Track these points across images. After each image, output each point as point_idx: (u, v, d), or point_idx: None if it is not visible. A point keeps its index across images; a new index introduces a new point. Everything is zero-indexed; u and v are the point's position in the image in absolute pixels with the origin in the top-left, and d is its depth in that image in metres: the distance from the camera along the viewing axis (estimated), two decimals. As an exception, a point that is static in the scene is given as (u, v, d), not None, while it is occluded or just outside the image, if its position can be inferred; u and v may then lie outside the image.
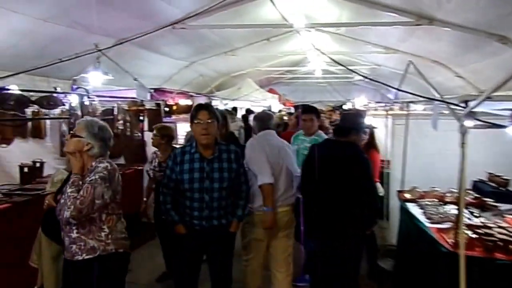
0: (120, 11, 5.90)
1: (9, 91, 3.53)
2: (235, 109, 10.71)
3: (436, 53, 8.70)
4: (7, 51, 5.13)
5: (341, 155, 3.28)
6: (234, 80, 14.00)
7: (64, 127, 4.29)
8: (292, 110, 17.36)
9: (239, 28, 7.24)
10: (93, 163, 2.79)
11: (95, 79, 5.49)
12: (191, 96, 8.72)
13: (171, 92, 6.96)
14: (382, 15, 6.81)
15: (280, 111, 14.54)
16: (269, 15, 7.42)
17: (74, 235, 2.71)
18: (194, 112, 3.29)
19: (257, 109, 13.49)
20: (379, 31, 8.78)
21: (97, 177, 2.66)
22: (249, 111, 11.91)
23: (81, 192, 2.60)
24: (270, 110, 13.76)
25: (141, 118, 5.25)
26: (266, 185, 3.69)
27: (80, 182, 2.67)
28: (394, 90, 16.63)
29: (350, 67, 14.88)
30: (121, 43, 4.59)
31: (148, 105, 6.11)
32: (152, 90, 6.39)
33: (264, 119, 4.24)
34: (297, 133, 5.35)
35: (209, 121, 3.23)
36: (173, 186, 3.38)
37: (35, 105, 4.09)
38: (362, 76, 7.93)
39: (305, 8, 8.07)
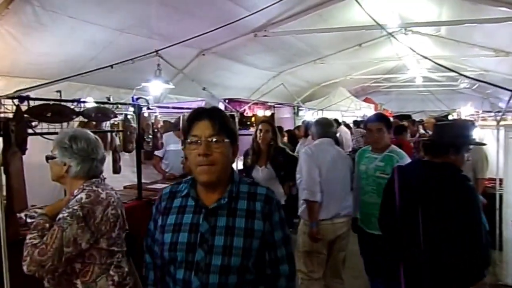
0: (200, 20, 5.80)
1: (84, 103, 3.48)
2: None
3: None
4: (89, 63, 5.27)
5: (436, 182, 2.42)
6: (326, 89, 13.46)
7: (118, 142, 4.10)
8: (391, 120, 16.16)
9: (325, 32, 6.78)
10: (76, 191, 2.03)
11: (155, 88, 5.20)
12: (272, 106, 8.39)
13: (247, 102, 6.71)
14: (490, 11, 5.85)
15: (374, 121, 13.57)
16: (358, 17, 6.83)
17: (46, 285, 2.00)
18: (187, 122, 1.72)
19: (349, 120, 12.73)
20: (487, 30, 7.67)
21: (66, 214, 1.88)
22: (336, 122, 11.15)
23: (44, 238, 1.86)
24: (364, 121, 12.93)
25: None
26: (311, 202, 3.62)
27: (47, 225, 1.95)
28: (507, 99, 14.81)
29: (453, 74, 13.70)
30: (177, 43, 4.28)
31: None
32: (225, 100, 6.19)
33: (324, 125, 4.04)
34: (362, 148, 4.12)
35: (214, 139, 1.62)
36: (158, 251, 1.77)
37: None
38: (473, 79, 6.89)
39: (399, 7, 7.32)
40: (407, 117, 18.61)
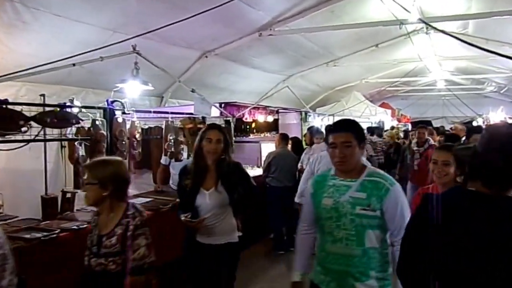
0: (200, 17, 5.41)
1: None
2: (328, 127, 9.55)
3: None
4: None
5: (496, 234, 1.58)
6: (340, 94, 12.95)
7: (81, 151, 3.52)
8: (409, 126, 15.61)
9: (336, 29, 6.31)
10: None
11: (132, 89, 4.38)
12: (276, 111, 7.89)
13: (246, 107, 6.25)
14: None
15: (392, 128, 12.92)
16: (374, 13, 6.39)
17: None
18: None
19: (364, 126, 12.22)
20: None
21: None
22: None
23: None
24: (379, 127, 12.38)
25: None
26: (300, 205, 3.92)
27: None
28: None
29: (480, 76, 13.08)
30: (151, 31, 3.83)
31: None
32: (220, 105, 5.74)
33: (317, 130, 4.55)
34: (320, 173, 3.09)
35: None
36: None
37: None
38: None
39: (421, 1, 6.80)
40: (427, 123, 18.06)
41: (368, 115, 12.75)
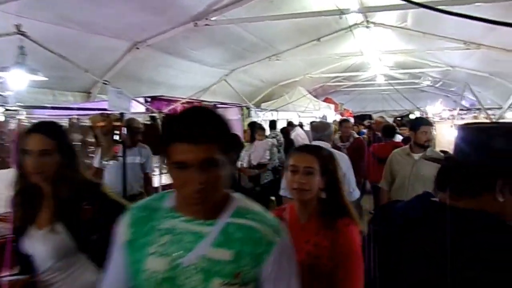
0: (126, 4, 4.75)
1: None
2: (271, 122, 8.79)
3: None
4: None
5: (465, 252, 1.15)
6: (285, 89, 12.56)
7: None
8: (352, 120, 15.62)
9: (274, 19, 5.85)
10: None
11: (16, 80, 3.39)
12: (214, 106, 7.29)
13: (175, 101, 5.57)
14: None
15: (335, 121, 12.80)
16: (313, 4, 6.01)
17: None
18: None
19: (306, 121, 11.92)
20: (459, 20, 6.99)
21: None
22: (291, 124, 9.97)
23: None
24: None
25: (115, 137, 3.75)
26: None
27: None
28: (470, 97, 14.48)
29: (417, 70, 13.22)
30: None
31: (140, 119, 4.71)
32: (146, 101, 5.06)
33: (317, 129, 4.05)
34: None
35: None
36: None
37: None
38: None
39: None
40: (368, 117, 18.24)
41: (312, 110, 12.50)
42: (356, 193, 3.71)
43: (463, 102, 14.00)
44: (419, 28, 8.15)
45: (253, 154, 5.73)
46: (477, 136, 1.26)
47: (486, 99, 13.07)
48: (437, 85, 15.91)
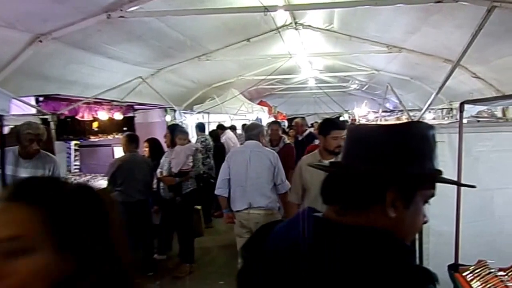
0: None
1: None
2: (199, 125, 8.13)
3: (452, 48, 6.84)
4: None
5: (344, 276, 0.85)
6: (219, 91, 12.03)
7: None
8: (286, 123, 15.56)
9: (195, 14, 5.38)
10: None
11: None
12: (130, 106, 6.56)
13: (76, 101, 4.84)
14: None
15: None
16: (239, 0, 5.62)
17: None
18: None
19: (238, 123, 11.55)
20: (381, 22, 6.97)
21: None
22: (221, 127, 9.24)
23: None
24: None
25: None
26: (219, 196, 4.31)
27: None
28: (393, 100, 14.90)
29: (344, 74, 13.34)
30: None
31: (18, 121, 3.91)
32: (37, 100, 4.31)
33: (247, 130, 4.39)
34: None
35: None
36: None
37: None
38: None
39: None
40: (302, 118, 18.28)
41: (245, 112, 12.15)
42: (287, 185, 4.13)
43: (387, 105, 14.39)
44: (345, 31, 8.06)
45: (173, 160, 5.14)
46: (364, 137, 1.00)
47: (407, 102, 13.49)
48: (363, 89, 16.25)
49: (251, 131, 4.29)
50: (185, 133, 5.39)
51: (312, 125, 11.22)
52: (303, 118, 8.69)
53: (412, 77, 10.38)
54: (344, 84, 16.21)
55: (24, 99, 4.02)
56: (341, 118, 17.24)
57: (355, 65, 11.69)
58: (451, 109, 9.04)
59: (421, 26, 6.30)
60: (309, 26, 8.32)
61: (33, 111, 4.14)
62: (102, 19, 4.91)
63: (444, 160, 2.83)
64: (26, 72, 5.21)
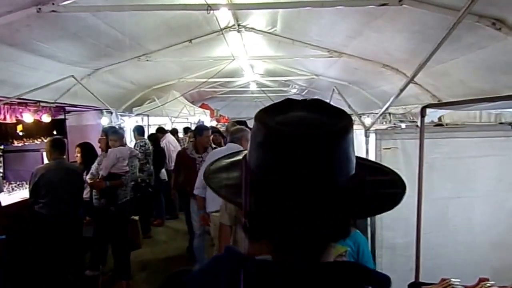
0: None
1: None
2: (137, 128, 7.56)
3: (392, 54, 7.02)
4: None
5: None
6: (159, 93, 11.51)
7: None
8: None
9: (132, 10, 4.99)
10: None
11: None
12: (61, 108, 5.98)
13: None
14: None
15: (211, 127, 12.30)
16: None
17: None
18: None
19: (179, 126, 11.18)
20: (323, 26, 6.99)
21: None
22: (161, 130, 8.87)
23: None
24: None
25: None
26: (198, 196, 4.44)
27: None
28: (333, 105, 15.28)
29: (285, 78, 13.41)
30: None
31: None
32: None
33: (232, 133, 4.39)
34: None
35: None
36: None
37: None
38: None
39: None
40: (243, 123, 18.21)
41: (187, 115, 11.78)
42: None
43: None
44: (288, 35, 8.01)
45: (103, 162, 4.72)
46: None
47: (345, 106, 13.84)
48: (303, 93, 16.47)
49: (235, 134, 4.31)
50: (118, 134, 4.94)
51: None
52: (243, 121, 8.34)
53: (350, 82, 10.56)
54: (285, 89, 16.33)
55: None
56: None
57: (296, 70, 11.76)
58: (389, 113, 9.30)
59: (363, 30, 6.35)
60: (252, 28, 8.19)
61: None
62: (32, 13, 4.39)
63: (398, 168, 2.76)
64: None
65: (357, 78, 9.87)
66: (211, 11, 4.63)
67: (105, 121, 7.04)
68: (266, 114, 0.81)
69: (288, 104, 0.86)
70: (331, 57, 8.04)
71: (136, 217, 4.97)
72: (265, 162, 0.75)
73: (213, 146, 5.59)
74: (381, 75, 8.42)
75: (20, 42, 5.24)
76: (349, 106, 5.01)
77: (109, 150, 4.79)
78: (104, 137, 4.84)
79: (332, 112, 0.81)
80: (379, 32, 6.02)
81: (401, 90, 3.80)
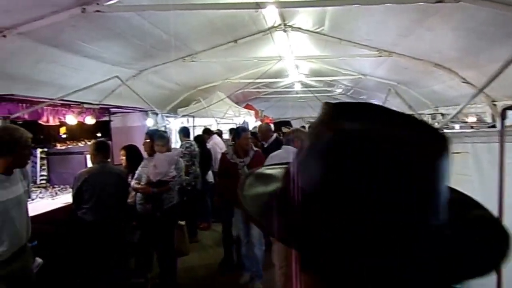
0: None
1: None
2: (183, 130, 7.28)
3: (444, 52, 6.44)
4: None
5: None
6: (204, 94, 11.41)
7: None
8: (272, 126, 15.05)
9: (182, 9, 4.78)
10: None
11: None
12: (106, 110, 5.82)
13: (38, 102, 4.11)
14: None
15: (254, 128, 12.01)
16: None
17: None
18: None
19: (224, 128, 10.94)
20: (373, 26, 6.51)
21: None
22: (207, 132, 8.46)
23: None
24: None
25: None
26: None
27: None
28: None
29: (331, 78, 12.89)
30: None
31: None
32: None
33: (288, 135, 4.27)
34: None
35: None
36: None
37: None
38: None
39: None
40: (287, 123, 17.82)
41: (232, 116, 11.57)
42: None
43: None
44: (336, 34, 7.56)
45: (152, 169, 4.45)
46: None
47: (392, 107, 13.12)
48: (348, 93, 15.86)
49: (289, 135, 4.24)
50: (164, 138, 4.67)
51: (276, 131, 10.62)
52: (287, 122, 7.95)
53: (399, 81, 9.97)
54: (329, 89, 15.77)
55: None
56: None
57: (342, 69, 11.23)
58: (442, 114, 8.69)
59: (415, 28, 5.86)
60: (299, 28, 7.82)
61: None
62: (76, 13, 4.29)
63: (468, 174, 2.32)
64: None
65: (406, 78, 9.27)
66: (259, 10, 4.31)
67: (150, 123, 6.91)
68: (340, 120, 0.60)
69: (364, 110, 0.64)
70: (380, 56, 7.53)
71: (183, 222, 4.67)
72: (335, 181, 0.56)
73: (255, 149, 5.02)
74: (432, 75, 7.86)
75: (64, 43, 5.15)
76: (410, 107, 4.54)
77: (160, 155, 4.50)
78: (149, 140, 4.59)
79: (425, 129, 0.60)
80: (431, 30, 5.51)
81: (472, 97, 3.30)
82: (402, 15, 5.61)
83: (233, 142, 4.95)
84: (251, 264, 4.88)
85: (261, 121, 14.94)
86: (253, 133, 7.74)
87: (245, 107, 14.81)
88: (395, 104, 12.49)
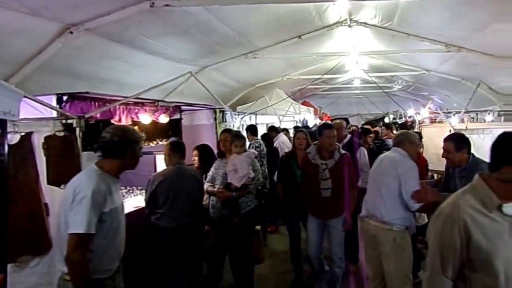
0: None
1: None
2: (251, 127, 6.87)
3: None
4: None
5: None
6: (262, 91, 11.09)
7: None
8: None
9: (249, 3, 4.48)
10: None
11: None
12: (177, 108, 5.56)
13: (112, 100, 3.92)
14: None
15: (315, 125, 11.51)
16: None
17: None
18: None
19: (288, 125, 10.50)
20: (446, 20, 5.88)
21: None
22: (273, 129, 7.92)
23: None
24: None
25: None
26: None
27: None
28: (437, 100, 13.45)
29: (392, 74, 12.08)
30: None
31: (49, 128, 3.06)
32: (60, 97, 3.41)
33: (397, 137, 3.90)
34: None
35: None
36: None
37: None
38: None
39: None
40: (344, 120, 17.05)
41: (293, 114, 11.16)
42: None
43: (431, 106, 13.07)
44: (404, 29, 6.92)
45: (232, 172, 4.06)
46: None
47: (453, 103, 12.12)
48: (409, 90, 14.89)
49: (397, 137, 3.86)
50: (242, 138, 4.29)
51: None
52: (345, 119, 7.13)
53: (464, 78, 9.10)
54: (389, 85, 14.85)
55: (41, 98, 3.11)
56: (386, 120, 15.95)
57: (404, 65, 10.41)
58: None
59: (492, 22, 5.15)
60: (365, 23, 7.25)
61: (54, 114, 3.29)
62: (145, 8, 4.11)
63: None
64: (50, 68, 4.42)
65: (472, 74, 8.45)
66: (332, 3, 3.91)
67: (235, 121, 6.60)
68: None
69: None
70: (448, 51, 6.79)
71: (258, 227, 4.32)
72: None
73: (342, 152, 4.27)
74: (502, 71, 7.07)
75: (128, 39, 5.00)
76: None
77: (240, 157, 4.09)
78: (229, 139, 4.25)
79: None
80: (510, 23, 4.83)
81: None
82: (481, 6, 4.96)
83: (316, 141, 4.33)
84: (322, 266, 4.47)
85: (320, 118, 14.39)
86: (311, 132, 7.20)
87: (302, 104, 14.33)
88: (457, 101, 11.49)
